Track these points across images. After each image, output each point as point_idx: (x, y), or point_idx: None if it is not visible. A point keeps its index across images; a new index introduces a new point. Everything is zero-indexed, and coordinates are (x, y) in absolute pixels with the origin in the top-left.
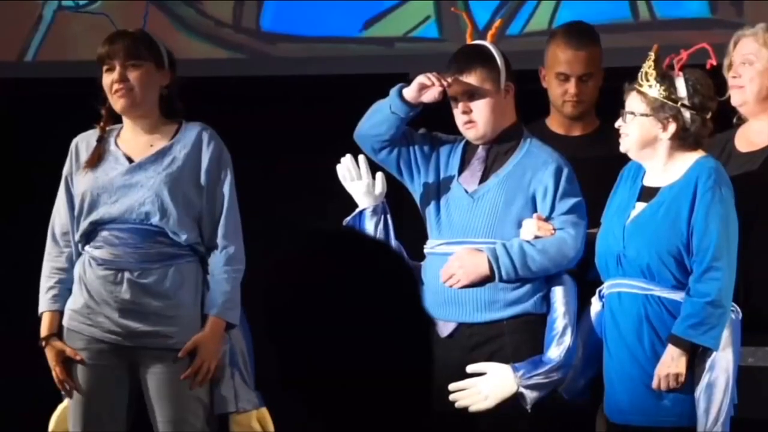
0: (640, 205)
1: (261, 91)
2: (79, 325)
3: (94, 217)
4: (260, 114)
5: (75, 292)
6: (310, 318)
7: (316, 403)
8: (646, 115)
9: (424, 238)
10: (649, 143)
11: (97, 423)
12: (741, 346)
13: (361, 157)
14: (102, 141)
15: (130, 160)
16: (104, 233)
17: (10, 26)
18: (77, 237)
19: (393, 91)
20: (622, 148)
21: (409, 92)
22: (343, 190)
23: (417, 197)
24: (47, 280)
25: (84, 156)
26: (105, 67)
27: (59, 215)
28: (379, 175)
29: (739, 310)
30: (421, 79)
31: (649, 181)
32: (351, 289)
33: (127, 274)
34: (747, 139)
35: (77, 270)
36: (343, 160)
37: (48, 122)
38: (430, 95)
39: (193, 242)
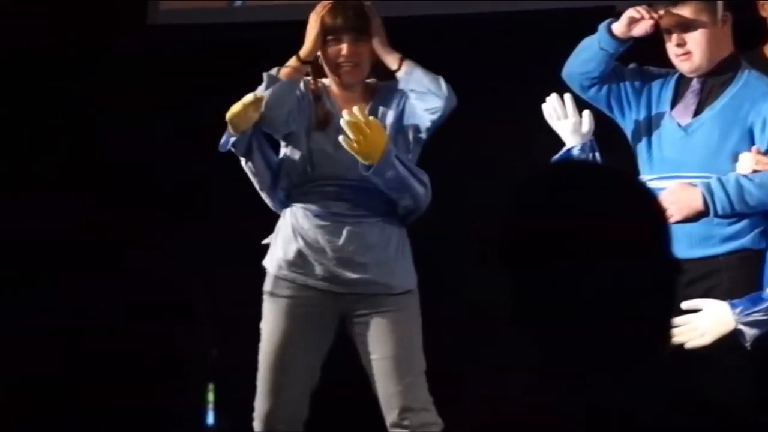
0: None
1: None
2: (289, 273)
3: (312, 175)
4: (464, 53)
5: (287, 242)
6: (543, 249)
7: (544, 336)
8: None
9: None
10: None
11: (293, 367)
12: None
13: (567, 96)
14: (319, 100)
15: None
16: (322, 188)
17: None
18: (294, 187)
19: (601, 27)
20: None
21: (619, 27)
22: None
23: (628, 133)
24: None
25: (307, 111)
26: (329, 37)
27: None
28: (586, 113)
29: None
30: (630, 12)
31: None
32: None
33: (344, 226)
34: None
35: (290, 220)
36: (548, 99)
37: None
38: (641, 29)
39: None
